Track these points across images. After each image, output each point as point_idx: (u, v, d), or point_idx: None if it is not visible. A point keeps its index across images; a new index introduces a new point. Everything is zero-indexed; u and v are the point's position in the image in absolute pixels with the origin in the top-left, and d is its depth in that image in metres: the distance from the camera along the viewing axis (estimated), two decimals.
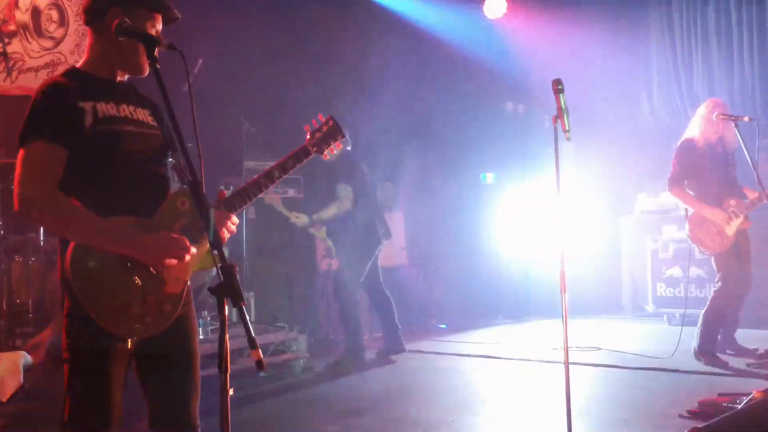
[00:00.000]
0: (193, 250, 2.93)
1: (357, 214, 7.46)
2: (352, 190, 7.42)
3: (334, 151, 3.66)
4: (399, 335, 7.82)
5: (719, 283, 6.83)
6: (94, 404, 2.88)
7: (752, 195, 6.81)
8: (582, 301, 9.51)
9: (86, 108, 2.90)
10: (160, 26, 3.07)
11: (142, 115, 3.10)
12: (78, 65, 3.07)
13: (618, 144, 10.72)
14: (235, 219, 3.13)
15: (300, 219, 7.47)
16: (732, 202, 6.76)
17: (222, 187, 3.33)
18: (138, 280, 2.84)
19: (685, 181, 6.89)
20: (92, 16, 3.04)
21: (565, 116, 4.35)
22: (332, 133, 3.60)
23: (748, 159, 6.44)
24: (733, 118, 6.66)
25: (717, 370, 6.53)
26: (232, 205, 3.16)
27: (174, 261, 2.87)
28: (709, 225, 6.77)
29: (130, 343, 2.87)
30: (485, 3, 10.25)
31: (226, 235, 3.12)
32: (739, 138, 6.57)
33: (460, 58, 10.36)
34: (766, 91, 10.01)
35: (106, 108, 2.95)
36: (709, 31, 10.51)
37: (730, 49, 10.39)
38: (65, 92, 2.90)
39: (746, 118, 6.68)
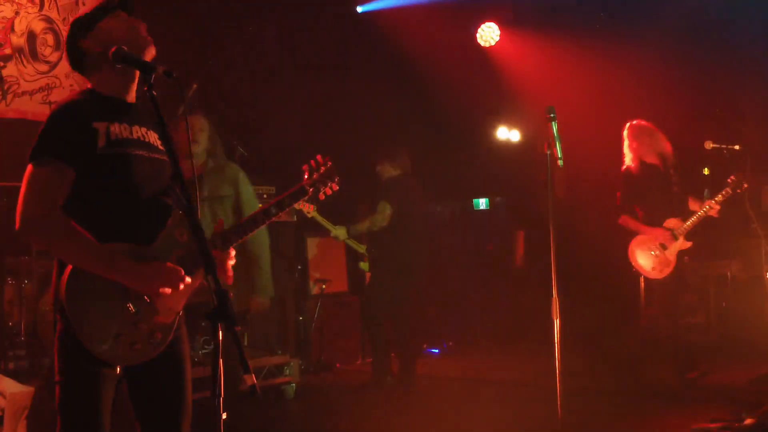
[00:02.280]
0: (188, 279, 2.94)
1: (396, 237, 7.34)
2: (392, 209, 7.31)
3: (330, 192, 3.67)
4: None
5: (656, 308, 6.88)
6: (83, 427, 2.89)
7: (696, 207, 6.82)
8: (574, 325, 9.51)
9: (100, 129, 2.91)
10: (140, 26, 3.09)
11: (153, 138, 3.11)
12: (93, 85, 3.09)
13: (610, 169, 10.76)
14: (233, 253, 3.17)
15: (339, 230, 7.42)
16: (672, 223, 6.77)
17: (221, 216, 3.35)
18: (131, 308, 2.85)
19: (631, 207, 6.93)
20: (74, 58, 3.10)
21: (557, 144, 4.39)
22: (329, 174, 3.63)
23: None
24: (724, 146, 6.64)
25: (711, 396, 6.53)
26: (228, 239, 3.17)
27: (168, 290, 2.88)
28: (650, 248, 6.77)
29: (118, 369, 2.88)
30: (478, 31, 10.31)
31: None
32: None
33: (452, 84, 10.40)
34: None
35: (119, 129, 2.97)
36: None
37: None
38: (80, 112, 2.92)
39: (737, 147, 6.66)
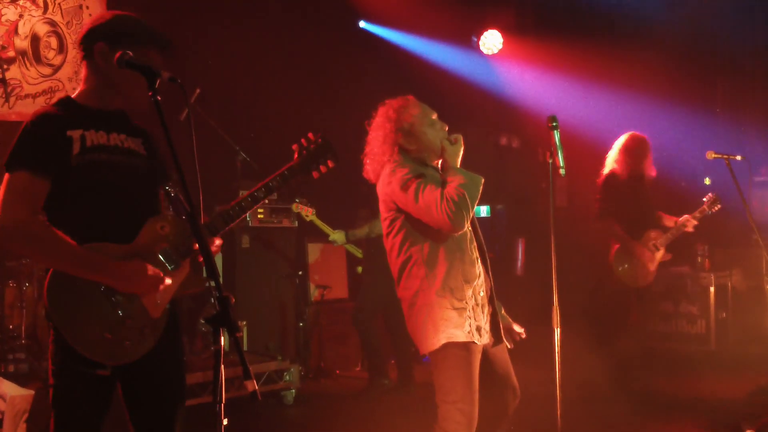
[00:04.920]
0: (168, 281, 2.95)
1: None
2: None
3: (325, 170, 3.50)
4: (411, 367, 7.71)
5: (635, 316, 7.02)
6: (76, 429, 2.90)
7: (669, 222, 6.97)
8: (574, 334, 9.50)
9: (74, 136, 2.94)
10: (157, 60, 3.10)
11: (134, 144, 3.12)
12: (73, 95, 3.11)
13: None
14: (217, 241, 3.12)
15: (337, 235, 7.40)
16: (652, 234, 6.90)
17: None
18: (116, 306, 2.86)
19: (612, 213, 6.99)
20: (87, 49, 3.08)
21: (559, 152, 4.39)
22: (321, 152, 3.47)
23: (741, 197, 6.48)
24: (725, 156, 6.67)
25: (710, 407, 6.53)
26: (214, 227, 3.14)
27: (148, 290, 2.89)
28: (635, 258, 6.88)
29: (109, 369, 2.88)
30: (481, 38, 10.33)
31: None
32: (733, 175, 6.68)
33: (455, 92, 10.41)
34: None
35: (95, 136, 2.98)
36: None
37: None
38: (54, 122, 2.94)
39: (738, 157, 6.70)
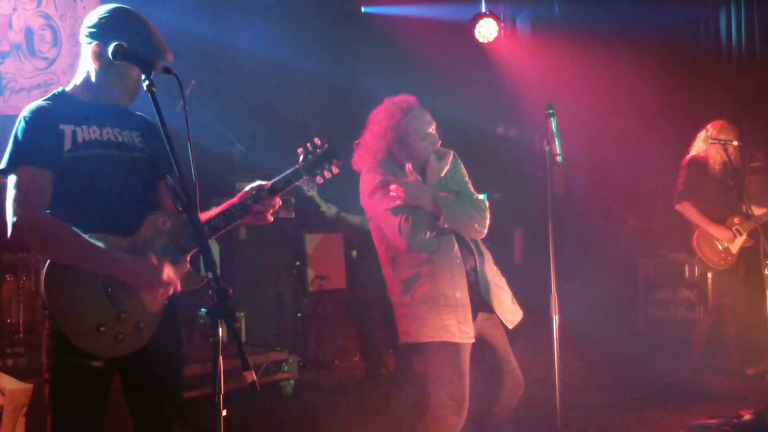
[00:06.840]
0: (179, 287, 2.95)
1: None
2: None
3: (329, 176, 3.50)
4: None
5: (714, 300, 6.98)
6: (74, 423, 2.89)
7: (756, 212, 6.94)
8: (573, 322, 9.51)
9: (66, 131, 2.91)
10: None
11: (129, 137, 3.09)
12: (67, 88, 3.09)
13: (609, 166, 10.77)
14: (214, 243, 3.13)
15: (330, 210, 7.37)
16: (736, 219, 6.92)
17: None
18: (114, 299, 2.84)
19: (692, 196, 6.99)
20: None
21: (556, 140, 4.39)
22: (327, 157, 3.47)
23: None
24: (722, 141, 6.75)
25: (709, 392, 6.55)
26: (215, 225, 3.13)
27: (159, 291, 2.89)
28: (715, 241, 6.90)
29: (103, 362, 2.87)
30: (476, 26, 10.29)
31: None
32: (730, 159, 6.72)
33: (450, 81, 10.40)
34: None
35: (87, 132, 2.96)
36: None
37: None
38: (46, 115, 2.93)
39: (735, 143, 6.79)
